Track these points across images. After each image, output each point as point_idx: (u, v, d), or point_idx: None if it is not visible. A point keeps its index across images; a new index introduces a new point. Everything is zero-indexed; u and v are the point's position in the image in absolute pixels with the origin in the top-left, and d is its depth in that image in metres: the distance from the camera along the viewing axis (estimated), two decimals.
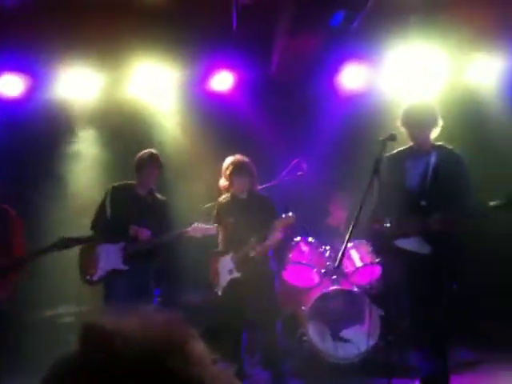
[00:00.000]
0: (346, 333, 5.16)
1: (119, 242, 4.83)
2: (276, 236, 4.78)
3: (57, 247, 4.40)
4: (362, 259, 5.40)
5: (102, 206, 4.96)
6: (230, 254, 4.87)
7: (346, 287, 5.28)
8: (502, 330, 5.25)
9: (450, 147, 4.37)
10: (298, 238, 5.53)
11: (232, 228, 4.87)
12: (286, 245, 5.43)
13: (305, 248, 5.49)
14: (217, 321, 4.76)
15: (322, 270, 5.45)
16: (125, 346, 0.84)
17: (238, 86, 6.37)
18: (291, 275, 5.51)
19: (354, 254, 5.43)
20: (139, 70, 6.11)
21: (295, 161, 5.44)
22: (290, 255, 5.46)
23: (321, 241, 5.58)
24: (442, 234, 4.07)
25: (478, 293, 5.63)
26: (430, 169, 4.26)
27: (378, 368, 4.60)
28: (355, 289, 5.24)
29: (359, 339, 5.01)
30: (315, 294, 5.23)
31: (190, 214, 5.39)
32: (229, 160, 4.97)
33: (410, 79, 6.28)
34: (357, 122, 6.08)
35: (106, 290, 4.83)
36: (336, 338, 5.14)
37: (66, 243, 4.42)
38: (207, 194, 5.54)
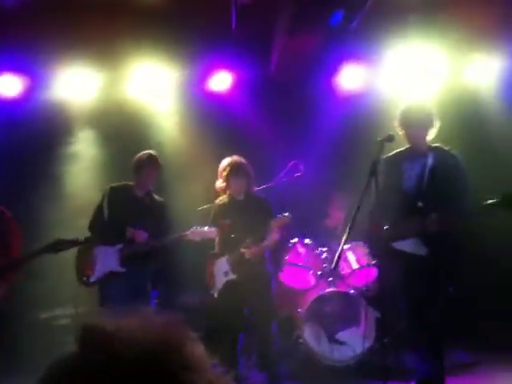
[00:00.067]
0: (341, 335, 5.17)
1: (116, 243, 4.83)
2: (273, 237, 4.78)
3: (52, 249, 4.39)
4: (358, 261, 5.40)
5: (100, 207, 4.95)
6: (226, 256, 4.87)
7: (342, 289, 5.28)
8: (499, 331, 5.24)
9: (447, 148, 4.37)
10: (295, 240, 5.52)
11: (228, 230, 4.86)
12: (282, 246, 5.43)
13: (301, 250, 5.49)
14: (213, 323, 4.75)
15: (319, 272, 5.44)
16: (124, 347, 0.84)
17: (237, 86, 6.36)
18: (288, 277, 5.51)
19: (351, 256, 5.43)
20: (138, 70, 6.11)
21: (292, 162, 5.44)
22: (287, 257, 5.46)
23: (318, 242, 5.57)
24: (439, 234, 4.06)
25: (475, 294, 5.62)
26: (427, 170, 4.26)
27: (374, 370, 4.61)
28: (351, 291, 5.24)
29: (355, 341, 5.00)
30: (311, 296, 5.23)
31: (188, 215, 5.39)
32: (226, 161, 4.96)
33: (409, 79, 6.27)
34: (355, 122, 6.07)
35: (103, 292, 4.82)
36: (332, 340, 5.15)
37: (62, 245, 4.41)
38: (205, 195, 5.54)
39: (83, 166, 6.27)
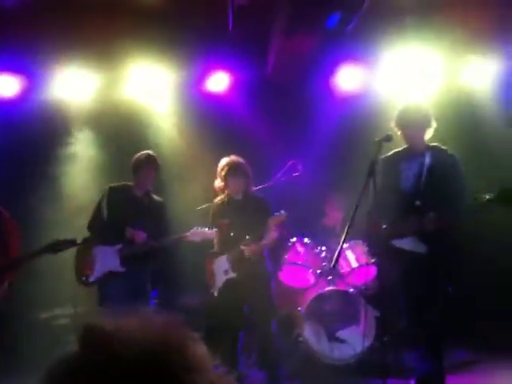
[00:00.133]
0: (341, 333, 5.17)
1: (115, 243, 4.83)
2: (271, 235, 4.80)
3: (51, 249, 4.40)
4: (357, 260, 5.41)
5: (99, 207, 4.96)
6: (226, 255, 4.88)
7: (342, 288, 5.28)
8: (499, 330, 5.25)
9: (445, 148, 4.40)
10: (294, 239, 5.53)
11: (227, 229, 4.87)
12: (281, 245, 5.44)
13: (300, 249, 5.49)
14: (213, 321, 4.75)
15: (318, 271, 5.45)
16: (124, 347, 0.84)
17: (234, 86, 6.37)
18: (287, 276, 5.52)
19: (350, 255, 5.44)
20: (135, 71, 6.11)
21: (290, 162, 5.45)
22: (286, 256, 5.47)
23: (317, 241, 5.58)
24: (437, 233, 4.09)
25: (473, 293, 5.64)
26: (425, 169, 4.29)
27: (374, 368, 4.62)
28: (351, 289, 5.24)
29: (355, 340, 5.00)
30: (311, 295, 5.23)
31: (187, 215, 5.40)
32: (224, 161, 4.98)
33: (406, 81, 6.30)
34: (352, 123, 6.09)
35: (102, 292, 4.82)
36: (332, 338, 5.15)
37: (60, 245, 4.42)
38: (203, 195, 5.55)
39: (81, 166, 6.26)
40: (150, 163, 4.94)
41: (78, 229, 5.23)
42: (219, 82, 6.34)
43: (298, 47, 5.89)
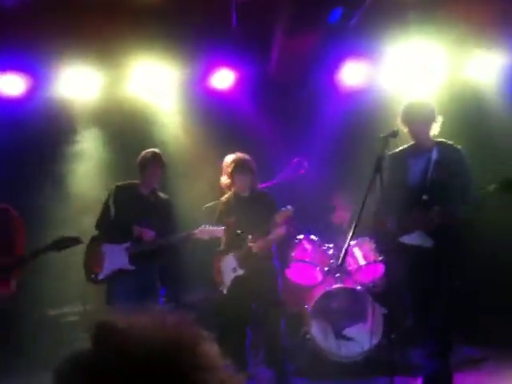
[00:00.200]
0: (348, 331, 5.15)
1: (123, 241, 4.84)
2: (279, 231, 4.80)
3: (56, 247, 4.44)
4: (365, 257, 5.39)
5: (106, 206, 4.97)
6: (233, 252, 4.89)
7: (349, 285, 5.27)
8: (502, 325, 5.25)
9: (451, 142, 4.41)
10: (301, 236, 5.53)
11: (234, 226, 4.87)
12: (288, 243, 5.45)
13: (308, 246, 5.49)
14: (222, 319, 4.76)
15: (325, 268, 5.44)
16: (136, 345, 0.85)
17: (239, 83, 6.36)
18: (294, 273, 5.51)
19: (357, 252, 5.42)
20: (139, 68, 6.11)
21: (296, 159, 5.45)
22: (293, 253, 5.46)
23: (324, 239, 5.56)
24: (442, 227, 4.10)
25: (476, 289, 5.63)
26: (432, 164, 4.30)
27: (381, 366, 4.62)
28: (358, 287, 5.23)
29: (362, 338, 5.00)
30: (318, 293, 5.22)
31: (193, 212, 5.41)
32: (230, 158, 4.98)
33: (410, 75, 6.29)
34: (357, 119, 6.08)
35: (111, 290, 4.84)
36: (339, 336, 5.14)
37: (65, 243, 4.46)
38: (209, 192, 5.56)
39: (87, 164, 6.27)
40: (156, 161, 4.95)
41: (84, 227, 5.27)
42: (223, 79, 6.34)
43: (302, 43, 5.88)
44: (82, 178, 6.23)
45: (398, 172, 4.35)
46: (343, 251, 3.79)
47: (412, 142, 4.42)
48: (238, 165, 4.89)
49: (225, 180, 5.03)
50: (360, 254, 5.41)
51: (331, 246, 5.53)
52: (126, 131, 6.19)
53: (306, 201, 5.75)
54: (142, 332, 0.87)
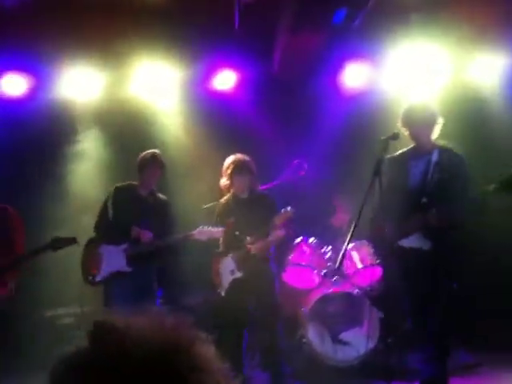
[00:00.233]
0: (345, 335, 5.13)
1: (121, 243, 4.85)
2: (278, 233, 4.79)
3: (51, 247, 4.45)
4: (362, 260, 5.37)
5: (104, 207, 4.98)
6: (231, 254, 4.88)
7: (346, 289, 5.25)
8: (500, 329, 5.21)
9: (451, 147, 4.39)
10: (299, 239, 5.51)
11: (232, 228, 4.87)
12: (286, 246, 5.43)
13: (306, 249, 5.46)
14: (220, 321, 4.76)
15: (323, 272, 5.42)
16: (134, 345, 0.85)
17: (241, 84, 6.35)
18: (292, 276, 5.49)
19: (355, 256, 5.40)
20: (141, 69, 6.11)
21: (296, 161, 5.45)
22: (291, 256, 5.44)
23: (323, 242, 5.55)
24: (440, 231, 4.08)
25: (474, 293, 5.60)
26: (432, 167, 4.28)
27: (377, 371, 4.60)
28: (355, 290, 5.20)
29: (358, 342, 4.98)
30: (315, 296, 5.21)
31: (192, 213, 5.40)
32: (230, 159, 4.98)
33: (412, 78, 6.27)
34: (359, 121, 6.06)
35: (108, 291, 4.85)
36: (335, 340, 5.11)
37: (60, 243, 4.47)
38: (209, 193, 5.55)
39: (87, 164, 6.28)
40: (156, 162, 4.95)
41: (84, 227, 5.27)
42: (226, 80, 6.33)
43: (304, 45, 5.87)
44: (83, 177, 6.23)
45: (399, 175, 4.33)
46: (340, 254, 3.78)
47: (412, 145, 4.41)
48: (237, 166, 4.89)
49: (224, 181, 5.03)
50: (358, 257, 5.39)
51: (329, 248, 5.51)
52: (127, 132, 6.20)
53: (306, 202, 5.73)
54: (139, 333, 0.87)
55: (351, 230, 3.78)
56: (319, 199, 5.96)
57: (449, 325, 4.20)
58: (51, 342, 5.23)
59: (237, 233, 4.82)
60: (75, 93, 6.12)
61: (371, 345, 4.90)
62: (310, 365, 5.16)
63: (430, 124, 4.31)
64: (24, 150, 5.98)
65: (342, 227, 5.78)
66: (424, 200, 4.23)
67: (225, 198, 5.08)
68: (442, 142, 4.39)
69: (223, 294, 4.85)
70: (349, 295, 5.21)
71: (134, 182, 5.05)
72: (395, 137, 4.05)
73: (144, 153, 5.00)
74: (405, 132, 4.33)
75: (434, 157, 4.29)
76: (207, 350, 0.90)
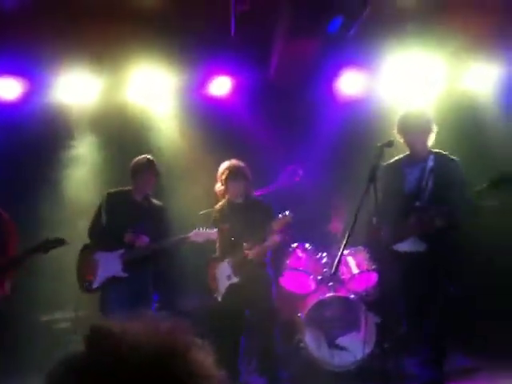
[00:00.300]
0: (341, 340, 5.13)
1: (116, 249, 4.84)
2: (274, 238, 4.80)
3: (43, 248, 4.46)
4: (358, 266, 5.38)
5: (98, 214, 4.97)
6: (227, 260, 4.88)
7: (343, 294, 5.26)
8: (498, 330, 5.21)
9: (446, 153, 4.42)
10: (295, 245, 5.52)
11: (228, 233, 4.88)
12: (283, 251, 5.43)
13: (301, 254, 5.47)
14: (216, 326, 4.74)
15: (319, 277, 5.43)
16: (130, 350, 0.85)
17: (236, 90, 6.37)
18: (288, 281, 5.50)
19: (351, 261, 5.41)
20: (137, 74, 6.11)
21: (291, 167, 5.46)
22: (287, 261, 5.44)
23: (320, 247, 5.55)
24: (436, 232, 4.10)
25: (473, 293, 5.60)
26: (427, 173, 4.32)
27: (374, 375, 4.61)
28: (351, 296, 5.22)
29: (355, 347, 4.98)
30: (312, 301, 5.21)
31: (188, 218, 5.40)
32: (224, 165, 4.99)
33: (408, 86, 6.31)
34: (354, 128, 6.10)
35: (104, 297, 4.83)
36: (332, 345, 5.11)
37: (51, 244, 4.49)
38: (205, 198, 5.55)
39: (83, 169, 6.26)
40: (151, 169, 4.94)
41: (80, 231, 5.25)
42: (221, 86, 6.35)
43: (300, 52, 5.91)
44: (79, 182, 6.21)
45: (394, 182, 4.37)
46: (336, 260, 3.79)
47: (407, 152, 4.44)
48: (232, 172, 4.90)
49: (219, 187, 5.04)
50: (354, 262, 5.40)
51: (325, 254, 5.52)
52: (123, 136, 6.19)
53: (302, 208, 5.73)
54: (135, 337, 0.87)
55: (346, 235, 3.79)
56: (315, 205, 5.96)
57: (445, 326, 4.21)
58: (48, 346, 5.20)
59: (233, 238, 4.82)
60: (71, 97, 6.11)
61: (368, 349, 4.90)
62: (307, 370, 5.15)
63: (425, 131, 4.34)
64: (19, 154, 5.96)
65: (338, 233, 5.78)
66: (418, 204, 4.26)
67: (220, 203, 5.08)
68: (437, 149, 4.42)
69: (220, 298, 4.85)
70: (345, 300, 5.22)
71: (128, 188, 5.04)
72: (390, 144, 4.08)
73: (137, 158, 4.99)
74: (400, 139, 4.36)
75: (429, 163, 4.33)
76: (203, 355, 0.90)
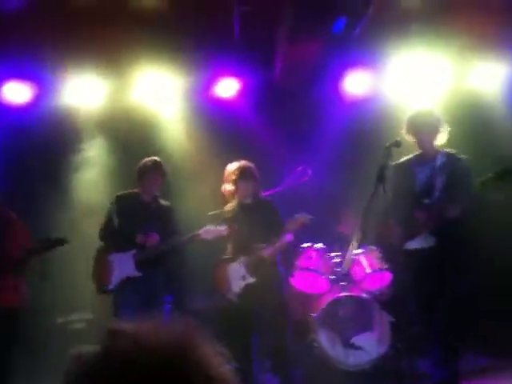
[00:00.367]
0: (356, 340, 5.05)
1: (129, 249, 4.87)
2: (287, 237, 4.81)
3: (46, 247, 4.51)
4: (371, 265, 5.31)
5: (109, 217, 4.99)
6: (240, 260, 4.90)
7: (356, 293, 5.22)
8: (502, 330, 5.20)
9: (455, 152, 4.44)
10: (306, 245, 5.51)
11: (238, 234, 4.89)
12: (294, 251, 5.43)
13: (313, 254, 5.43)
14: (230, 327, 4.74)
15: (331, 277, 5.39)
16: (143, 351, 0.86)
17: (243, 92, 6.39)
18: (299, 281, 5.46)
19: (364, 261, 5.35)
20: (144, 77, 6.13)
21: (300, 167, 5.46)
22: (298, 261, 5.42)
23: (333, 248, 5.50)
24: (444, 226, 4.11)
25: (477, 292, 5.58)
26: (436, 171, 4.33)
27: (388, 375, 4.59)
28: (365, 295, 5.18)
29: (370, 346, 4.93)
30: (325, 301, 5.17)
31: (195, 218, 5.42)
32: (234, 165, 5.01)
33: (414, 85, 6.32)
34: (361, 128, 6.10)
35: (117, 297, 4.86)
36: (346, 344, 5.04)
37: (52, 243, 4.55)
38: (212, 199, 5.57)
39: (92, 171, 6.28)
40: (157, 170, 4.98)
41: (89, 234, 5.28)
42: (227, 87, 6.36)
43: (305, 52, 5.93)
44: (88, 185, 6.23)
45: (405, 181, 4.39)
46: (346, 259, 3.81)
47: (417, 152, 4.45)
48: (242, 172, 4.92)
49: (228, 187, 5.06)
50: (366, 262, 5.33)
51: (337, 254, 5.45)
52: (130, 138, 6.21)
53: (310, 209, 5.74)
54: (148, 339, 0.88)
55: (356, 235, 3.81)
56: (323, 205, 5.96)
57: (455, 324, 4.20)
58: (63, 347, 5.22)
59: (245, 238, 4.83)
60: (79, 100, 6.14)
61: (383, 349, 4.87)
62: (321, 368, 5.12)
63: (435, 130, 4.37)
64: (28, 157, 6.00)
65: (348, 233, 5.76)
66: (426, 201, 4.28)
67: (230, 204, 5.10)
68: (446, 149, 4.43)
69: (235, 299, 4.83)
70: (359, 299, 5.16)
71: (135, 190, 5.07)
72: (397, 144, 4.11)
73: (145, 160, 5.03)
74: (408, 138, 4.38)
75: (439, 162, 4.35)
76: (215, 356, 0.91)
